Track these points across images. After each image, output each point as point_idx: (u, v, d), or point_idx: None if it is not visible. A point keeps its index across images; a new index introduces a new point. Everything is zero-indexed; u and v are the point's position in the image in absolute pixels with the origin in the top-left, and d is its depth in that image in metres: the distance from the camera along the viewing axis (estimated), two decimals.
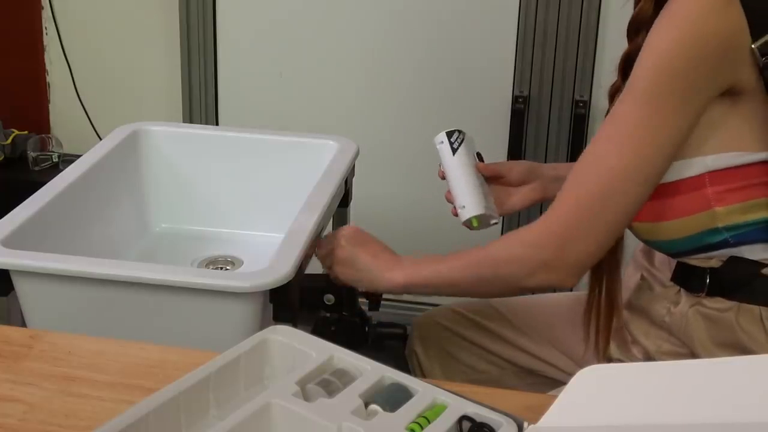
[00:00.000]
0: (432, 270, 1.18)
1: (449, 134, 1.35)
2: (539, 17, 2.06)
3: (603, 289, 1.21)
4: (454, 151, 1.34)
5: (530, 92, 2.11)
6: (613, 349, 1.25)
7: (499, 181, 1.38)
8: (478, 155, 1.37)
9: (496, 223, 1.34)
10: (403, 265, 1.20)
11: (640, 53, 1.05)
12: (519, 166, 1.39)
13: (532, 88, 2.11)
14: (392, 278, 1.20)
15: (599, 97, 2.11)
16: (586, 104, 2.09)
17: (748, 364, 0.77)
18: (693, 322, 1.17)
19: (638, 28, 1.10)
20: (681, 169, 1.09)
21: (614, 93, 1.16)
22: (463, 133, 1.36)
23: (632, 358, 1.25)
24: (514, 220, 2.20)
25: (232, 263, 1.54)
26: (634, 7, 1.16)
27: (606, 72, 2.09)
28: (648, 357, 1.22)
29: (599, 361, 1.24)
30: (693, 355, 1.16)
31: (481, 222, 1.32)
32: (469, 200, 1.32)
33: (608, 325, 1.22)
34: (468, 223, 1.33)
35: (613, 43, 2.07)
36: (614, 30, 2.06)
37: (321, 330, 1.37)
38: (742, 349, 1.12)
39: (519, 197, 1.39)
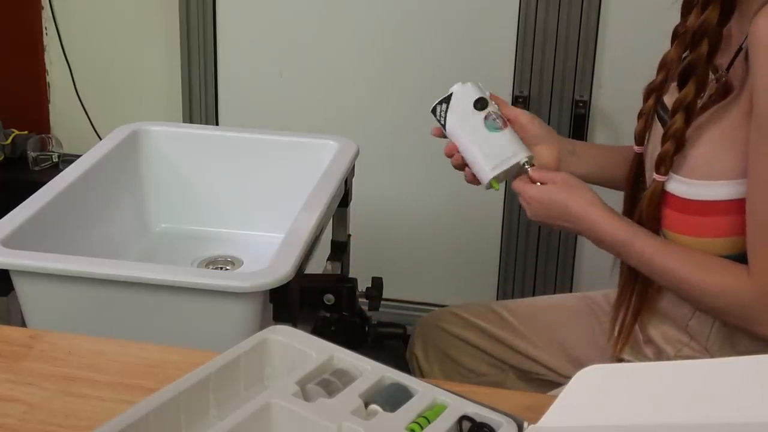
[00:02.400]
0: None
1: (432, 111, 1.28)
2: (539, 17, 2.06)
3: (636, 288, 1.21)
4: (444, 126, 1.28)
5: (530, 92, 2.11)
6: (625, 350, 1.25)
7: (517, 127, 1.29)
8: (481, 100, 1.27)
9: (527, 162, 1.23)
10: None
11: (763, 89, 1.02)
12: (539, 122, 1.31)
13: (532, 88, 2.11)
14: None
15: (599, 97, 2.11)
16: (586, 104, 2.09)
17: (748, 364, 0.77)
18: (717, 329, 1.17)
19: (702, 37, 1.09)
20: (731, 189, 1.08)
21: (651, 92, 1.19)
22: (447, 99, 1.28)
23: (643, 359, 1.25)
24: (514, 216, 2.21)
25: (232, 263, 1.54)
26: (683, 15, 1.15)
27: (606, 72, 2.09)
28: (660, 358, 1.22)
29: (610, 361, 1.24)
30: None
31: (504, 178, 1.24)
32: (482, 164, 1.24)
33: (633, 325, 1.22)
34: (490, 186, 1.25)
35: (613, 43, 2.07)
36: (614, 30, 2.06)
37: (321, 330, 1.37)
38: None
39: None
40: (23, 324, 1.23)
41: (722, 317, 1.13)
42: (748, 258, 1.07)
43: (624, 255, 1.17)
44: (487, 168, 1.24)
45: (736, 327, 1.12)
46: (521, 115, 1.29)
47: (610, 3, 2.04)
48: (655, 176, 1.13)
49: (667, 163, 1.12)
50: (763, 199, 1.04)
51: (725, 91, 1.12)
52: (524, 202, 1.23)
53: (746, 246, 1.07)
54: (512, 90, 2.12)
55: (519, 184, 1.23)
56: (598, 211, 1.17)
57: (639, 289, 1.21)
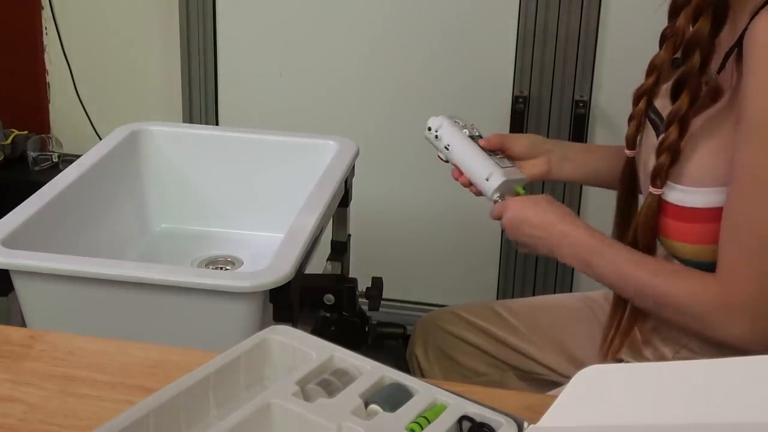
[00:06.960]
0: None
1: (428, 129, 1.37)
2: (539, 18, 2.06)
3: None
4: (436, 137, 1.36)
5: (530, 92, 2.11)
6: (624, 351, 1.25)
7: (504, 153, 1.37)
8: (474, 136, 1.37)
9: (523, 180, 1.33)
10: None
11: (755, 97, 1.01)
12: (523, 140, 1.39)
13: (532, 89, 2.11)
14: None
15: (599, 97, 2.11)
16: (586, 104, 2.09)
17: (748, 364, 0.77)
18: None
19: (694, 49, 1.08)
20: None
21: (641, 95, 1.18)
22: (441, 120, 1.37)
23: (642, 360, 1.24)
24: None
25: (232, 263, 1.54)
26: (670, 18, 1.14)
27: (606, 72, 2.09)
28: (660, 359, 1.22)
29: (609, 362, 1.24)
30: None
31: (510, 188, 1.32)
32: (488, 171, 1.32)
33: (630, 328, 1.22)
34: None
35: (613, 43, 2.07)
36: (614, 30, 2.06)
37: (321, 330, 1.38)
38: None
39: (524, 171, 1.37)
40: (23, 324, 1.23)
41: (683, 323, 1.12)
42: (717, 263, 1.06)
43: (594, 265, 1.17)
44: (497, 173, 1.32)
45: (695, 333, 1.12)
46: (504, 138, 1.37)
47: (610, 3, 2.04)
48: (651, 189, 1.13)
49: (663, 176, 1.12)
50: (740, 206, 1.04)
51: (714, 93, 1.12)
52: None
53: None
54: (512, 90, 2.12)
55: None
56: (569, 224, 1.20)
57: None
